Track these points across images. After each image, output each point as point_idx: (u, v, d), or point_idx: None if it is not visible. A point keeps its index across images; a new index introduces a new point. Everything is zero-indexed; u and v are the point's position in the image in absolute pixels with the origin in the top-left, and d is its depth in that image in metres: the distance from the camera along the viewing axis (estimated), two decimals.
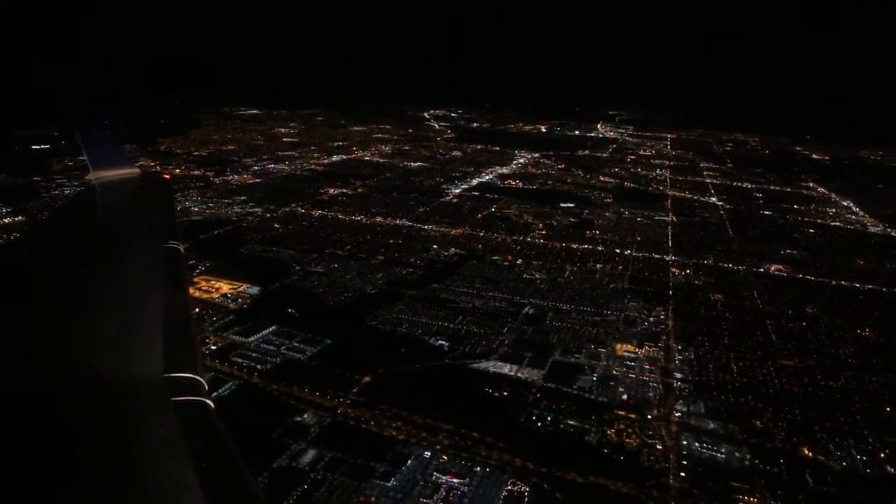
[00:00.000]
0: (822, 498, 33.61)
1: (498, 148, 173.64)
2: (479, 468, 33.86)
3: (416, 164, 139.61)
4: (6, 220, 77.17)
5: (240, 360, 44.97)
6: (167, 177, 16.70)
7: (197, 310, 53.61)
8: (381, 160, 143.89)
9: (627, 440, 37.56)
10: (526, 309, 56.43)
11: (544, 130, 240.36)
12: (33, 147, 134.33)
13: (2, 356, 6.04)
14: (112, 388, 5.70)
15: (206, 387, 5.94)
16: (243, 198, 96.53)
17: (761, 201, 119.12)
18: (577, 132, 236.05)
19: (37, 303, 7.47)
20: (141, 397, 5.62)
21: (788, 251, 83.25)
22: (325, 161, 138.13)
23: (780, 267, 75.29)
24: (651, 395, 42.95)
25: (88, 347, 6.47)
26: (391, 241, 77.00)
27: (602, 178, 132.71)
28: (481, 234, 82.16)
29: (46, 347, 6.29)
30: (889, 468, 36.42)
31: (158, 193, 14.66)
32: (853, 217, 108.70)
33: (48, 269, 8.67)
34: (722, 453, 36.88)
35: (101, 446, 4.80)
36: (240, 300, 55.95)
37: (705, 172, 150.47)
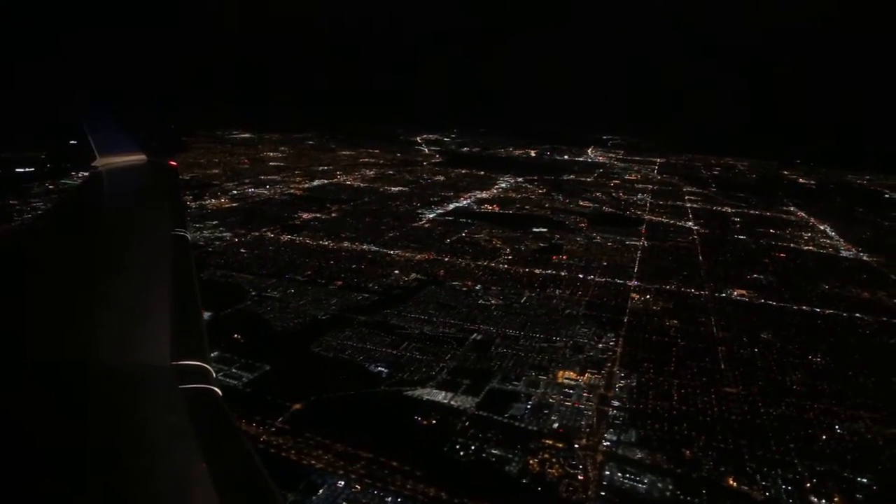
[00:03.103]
0: None
1: (483, 172, 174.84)
2: (389, 498, 33.41)
3: (397, 189, 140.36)
4: None
5: None
6: (174, 164, 16.78)
7: None
8: (362, 185, 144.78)
9: (549, 470, 37.02)
10: (473, 335, 56.20)
11: (533, 155, 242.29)
12: (17, 170, 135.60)
13: (6, 344, 5.99)
14: (119, 374, 5.67)
15: (214, 374, 5.85)
16: (215, 222, 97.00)
17: (738, 226, 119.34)
18: (566, 157, 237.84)
19: (42, 289, 7.40)
20: (148, 384, 5.56)
21: (755, 276, 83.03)
22: (306, 185, 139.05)
23: (744, 292, 75.05)
24: (583, 423, 42.49)
25: (95, 334, 6.42)
26: (354, 266, 77.06)
27: (581, 203, 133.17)
28: (446, 259, 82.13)
29: (52, 334, 6.25)
30: (813, 498, 35.86)
31: (165, 180, 14.51)
32: (827, 241, 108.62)
33: (54, 256, 8.68)
34: (644, 483, 36.37)
35: (108, 434, 4.75)
36: None
37: (687, 197, 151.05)
